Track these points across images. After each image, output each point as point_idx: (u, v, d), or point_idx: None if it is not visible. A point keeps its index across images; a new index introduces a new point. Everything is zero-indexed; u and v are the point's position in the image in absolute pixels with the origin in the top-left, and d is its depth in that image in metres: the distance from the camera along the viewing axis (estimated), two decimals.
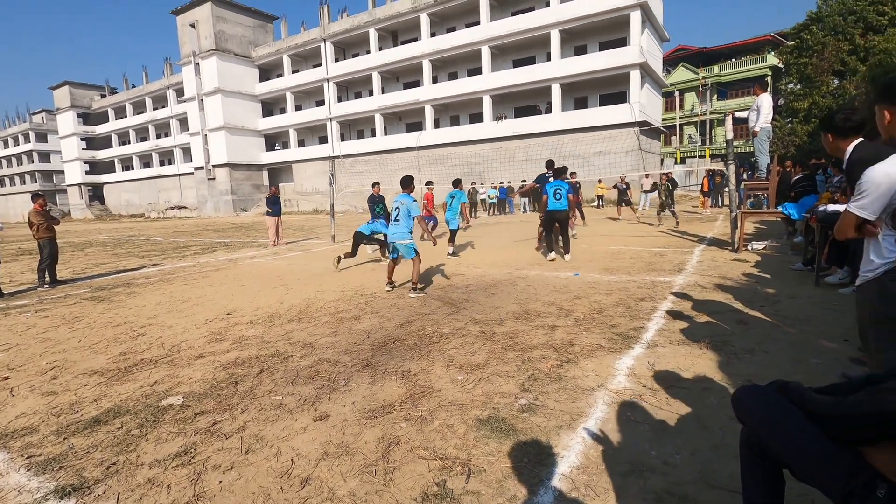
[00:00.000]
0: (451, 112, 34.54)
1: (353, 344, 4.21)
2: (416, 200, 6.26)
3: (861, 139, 2.50)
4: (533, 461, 2.29)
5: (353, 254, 8.64)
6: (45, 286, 8.05)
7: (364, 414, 2.87)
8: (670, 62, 42.69)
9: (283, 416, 2.89)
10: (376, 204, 10.33)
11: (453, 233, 10.00)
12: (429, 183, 12.38)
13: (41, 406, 3.22)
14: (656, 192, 17.16)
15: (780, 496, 1.47)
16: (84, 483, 2.29)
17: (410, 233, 6.25)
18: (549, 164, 9.50)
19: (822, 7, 27.16)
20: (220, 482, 2.25)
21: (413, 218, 6.26)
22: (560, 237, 8.47)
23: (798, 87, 29.00)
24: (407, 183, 6.44)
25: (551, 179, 9.30)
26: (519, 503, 2.00)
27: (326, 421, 2.81)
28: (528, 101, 31.46)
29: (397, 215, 6.23)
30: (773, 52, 36.94)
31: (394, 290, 6.39)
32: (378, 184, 10.98)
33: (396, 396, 3.09)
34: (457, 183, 10.33)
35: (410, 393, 3.13)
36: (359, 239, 8.70)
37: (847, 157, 2.47)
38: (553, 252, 8.34)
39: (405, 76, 35.82)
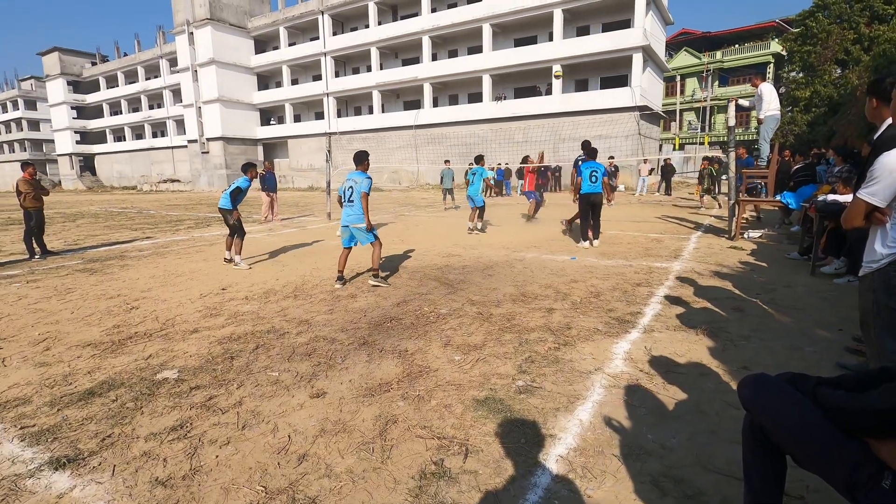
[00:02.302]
0: (449, 91, 34.01)
1: (349, 322, 4.19)
2: (370, 178, 5.49)
3: None
4: (530, 442, 2.30)
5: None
6: (37, 257, 7.95)
7: (361, 392, 2.86)
8: (673, 46, 42.15)
9: (279, 393, 2.88)
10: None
11: (480, 210, 9.89)
12: (525, 158, 11.72)
13: (34, 377, 3.19)
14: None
15: (781, 482, 1.47)
16: (79, 455, 2.28)
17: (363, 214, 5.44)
18: (585, 144, 9.16)
19: None
20: (217, 456, 2.25)
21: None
22: (592, 221, 7.99)
23: (800, 75, 28.78)
24: (361, 159, 5.53)
25: (582, 162, 9.04)
26: (516, 483, 2.01)
27: (323, 398, 2.80)
28: (528, 82, 31.00)
29: (350, 196, 5.42)
30: (776, 39, 36.52)
31: (345, 287, 5.50)
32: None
33: (393, 375, 3.08)
34: (479, 159, 10.14)
35: (407, 372, 3.12)
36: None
37: (881, 130, 2.33)
38: (587, 241, 7.93)
39: (404, 52, 35.12)
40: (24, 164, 8.26)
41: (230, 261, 6.97)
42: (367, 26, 34.96)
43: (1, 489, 2.04)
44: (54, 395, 2.92)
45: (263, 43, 42.23)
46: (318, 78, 38.45)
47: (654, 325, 3.95)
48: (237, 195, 6.98)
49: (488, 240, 8.91)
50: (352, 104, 39.09)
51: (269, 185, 12.88)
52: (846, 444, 1.21)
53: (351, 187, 5.45)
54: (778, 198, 7.97)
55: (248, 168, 7.17)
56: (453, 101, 34.10)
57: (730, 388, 2.78)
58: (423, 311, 4.46)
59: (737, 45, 40.24)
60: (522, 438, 2.33)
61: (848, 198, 5.60)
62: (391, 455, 2.22)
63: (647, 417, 2.50)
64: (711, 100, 39.54)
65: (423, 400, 2.75)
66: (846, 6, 25.81)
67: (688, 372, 3.03)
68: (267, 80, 42.91)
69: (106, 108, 54.80)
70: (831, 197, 5.77)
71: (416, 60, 33.64)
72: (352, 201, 5.44)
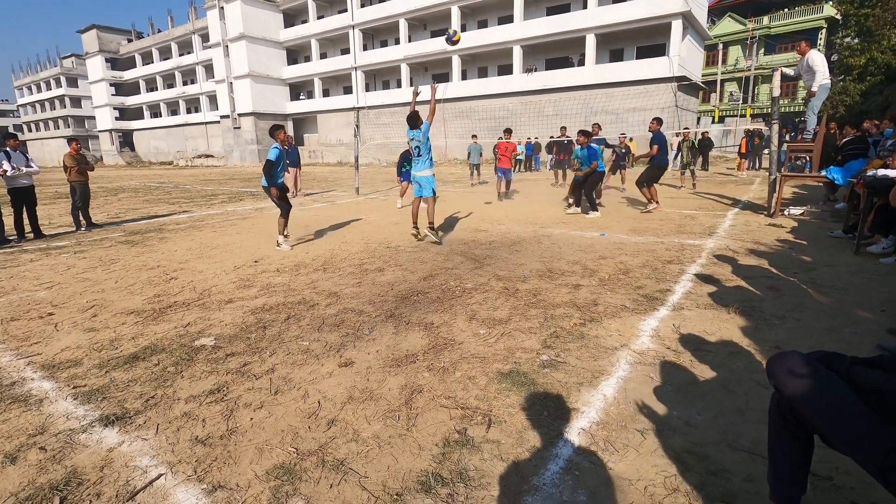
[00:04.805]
0: (479, 63, 33.33)
1: (376, 295, 4.27)
2: (428, 124, 6.39)
3: None
4: (553, 415, 2.33)
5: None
6: (83, 229, 8.35)
7: (388, 362, 2.94)
8: (716, 12, 39.84)
9: (309, 361, 2.98)
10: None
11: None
12: (507, 131, 11.57)
13: (84, 341, 3.40)
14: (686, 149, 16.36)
15: (807, 462, 1.45)
16: (126, 413, 2.43)
17: (432, 165, 6.40)
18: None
19: None
20: (252, 419, 2.36)
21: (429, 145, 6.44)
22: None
23: (855, 41, 26.86)
24: (414, 119, 6.47)
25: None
26: (538, 454, 2.05)
27: (351, 367, 2.89)
28: (560, 53, 30.06)
29: (418, 151, 6.34)
30: (830, 2, 34.06)
31: (419, 234, 6.58)
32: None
33: (419, 347, 3.15)
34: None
35: (433, 344, 3.18)
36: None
37: None
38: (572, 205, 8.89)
39: (433, 24, 34.47)
40: (70, 140, 8.62)
41: (280, 244, 6.40)
42: None
43: (58, 441, 2.21)
44: (102, 358, 3.11)
45: (292, 17, 42.14)
46: (346, 52, 38.27)
47: (684, 302, 3.87)
48: (270, 169, 6.14)
49: (515, 215, 8.83)
50: (380, 78, 38.82)
51: (292, 160, 12.99)
52: (881, 427, 1.18)
53: (417, 146, 6.33)
54: (823, 173, 7.57)
55: (276, 130, 6.27)
56: (482, 73, 33.46)
57: (760, 367, 2.72)
58: (449, 286, 4.49)
59: (786, 10, 37.71)
60: (545, 411, 2.36)
61: None
62: (416, 423, 2.29)
63: (673, 395, 2.49)
64: (756, 69, 37.41)
65: (447, 371, 2.80)
66: None
67: (717, 350, 2.97)
68: (296, 54, 42.96)
69: (142, 84, 56.16)
70: (881, 171, 5.45)
71: (445, 32, 32.95)
72: (420, 155, 6.32)
